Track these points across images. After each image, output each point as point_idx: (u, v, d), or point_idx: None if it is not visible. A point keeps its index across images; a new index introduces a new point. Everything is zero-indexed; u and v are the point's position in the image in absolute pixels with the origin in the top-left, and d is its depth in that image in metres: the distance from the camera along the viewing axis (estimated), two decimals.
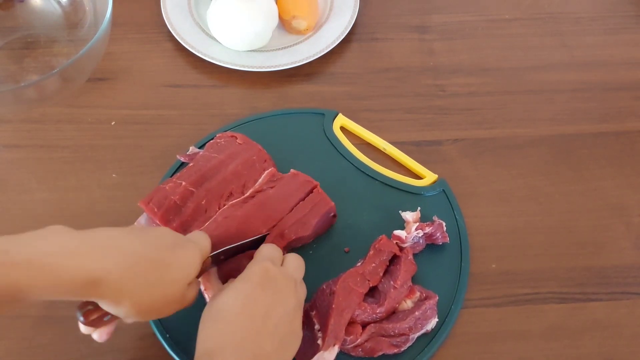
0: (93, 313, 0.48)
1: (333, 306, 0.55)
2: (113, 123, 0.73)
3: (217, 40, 0.79)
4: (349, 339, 0.56)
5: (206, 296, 0.56)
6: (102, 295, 0.45)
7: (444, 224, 0.63)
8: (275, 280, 0.51)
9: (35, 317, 0.59)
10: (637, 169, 0.72)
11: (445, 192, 0.67)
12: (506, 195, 0.69)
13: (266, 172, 0.64)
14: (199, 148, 0.69)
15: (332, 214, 0.63)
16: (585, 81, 0.79)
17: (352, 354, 0.57)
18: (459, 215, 0.66)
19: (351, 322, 0.57)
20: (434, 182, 0.69)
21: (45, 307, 0.60)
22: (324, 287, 0.58)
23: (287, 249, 0.61)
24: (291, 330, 0.51)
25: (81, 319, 0.48)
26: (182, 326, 0.57)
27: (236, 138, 0.67)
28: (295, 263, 0.55)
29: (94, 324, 0.49)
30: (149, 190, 0.67)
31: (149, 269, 0.46)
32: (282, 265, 0.54)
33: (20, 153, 0.71)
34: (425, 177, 0.69)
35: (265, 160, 0.66)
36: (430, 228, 0.62)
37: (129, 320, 0.48)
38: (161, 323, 0.58)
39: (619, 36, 0.84)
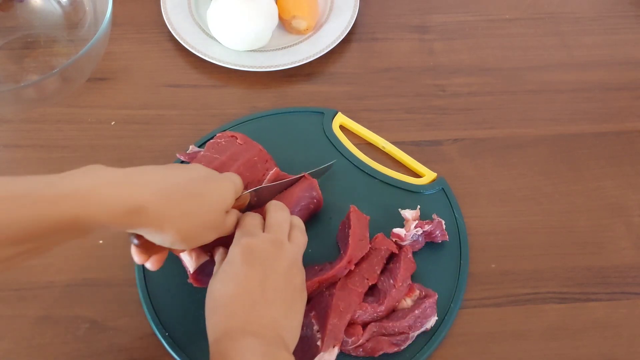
0: (143, 237, 0.50)
1: (331, 307, 0.55)
2: (113, 123, 0.73)
3: (217, 40, 0.79)
4: (350, 340, 0.56)
5: (187, 263, 0.57)
6: (145, 224, 0.46)
7: (444, 222, 0.63)
8: (258, 251, 0.52)
9: (35, 317, 0.59)
10: (637, 169, 0.72)
11: (444, 191, 0.67)
12: (506, 195, 0.69)
13: (270, 172, 0.64)
14: (199, 147, 0.69)
15: (314, 193, 0.63)
16: (585, 81, 0.79)
17: (353, 354, 0.57)
18: (458, 214, 0.66)
19: (351, 324, 0.57)
20: (433, 180, 0.69)
21: (45, 307, 0.60)
22: (323, 289, 0.58)
23: None
24: (294, 288, 0.52)
25: (135, 241, 0.50)
26: (181, 325, 0.58)
27: (236, 138, 0.67)
28: (278, 219, 0.55)
29: (146, 246, 0.51)
30: None
31: (185, 198, 0.49)
32: (264, 228, 0.55)
33: (20, 153, 0.71)
34: (424, 175, 0.69)
35: (267, 161, 0.66)
36: (430, 226, 0.62)
37: (175, 247, 0.50)
38: (161, 322, 0.58)
39: (619, 36, 0.84)
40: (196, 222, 0.50)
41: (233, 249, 0.53)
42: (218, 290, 0.50)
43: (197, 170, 0.53)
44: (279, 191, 0.62)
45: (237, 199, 0.55)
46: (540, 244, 0.66)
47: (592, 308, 0.62)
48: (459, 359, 0.58)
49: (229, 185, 0.53)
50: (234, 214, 0.55)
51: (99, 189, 0.44)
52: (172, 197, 0.48)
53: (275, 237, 0.53)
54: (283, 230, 0.55)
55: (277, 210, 0.56)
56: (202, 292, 0.55)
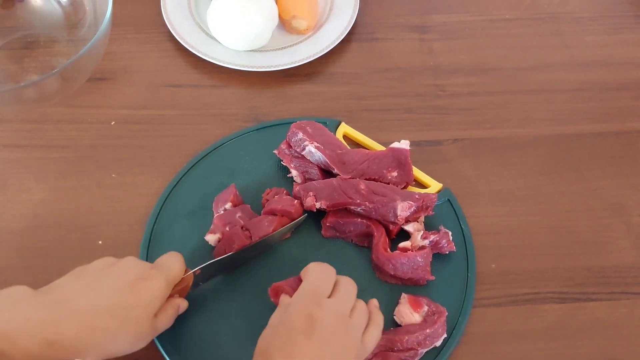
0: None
1: None
2: (113, 123, 0.73)
3: (217, 40, 0.79)
4: None
5: None
6: (61, 354, 0.45)
7: (450, 233, 0.62)
8: (321, 323, 0.48)
9: None
10: (637, 169, 0.72)
11: (450, 202, 0.66)
12: (506, 195, 0.69)
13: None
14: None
15: None
16: (585, 81, 0.79)
17: None
18: (464, 225, 0.65)
19: None
20: (439, 191, 0.67)
21: None
22: None
23: None
24: None
25: None
26: (179, 328, 0.57)
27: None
28: (348, 292, 0.53)
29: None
30: (149, 190, 0.67)
31: (107, 319, 0.47)
32: (332, 294, 0.52)
33: (20, 153, 0.71)
34: (429, 186, 0.68)
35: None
36: (435, 236, 0.61)
37: None
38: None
39: (619, 36, 0.84)
40: (121, 340, 0.48)
41: (295, 307, 0.50)
42: (267, 351, 0.47)
43: (124, 273, 0.50)
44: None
45: (178, 283, 0.54)
46: (540, 244, 0.66)
47: (592, 308, 0.62)
48: (459, 359, 0.59)
49: (160, 284, 0.51)
50: (167, 311, 0.53)
51: (9, 324, 0.44)
52: (91, 323, 0.47)
53: (340, 309, 0.51)
54: (349, 304, 0.52)
55: (348, 284, 0.54)
56: (201, 299, 0.54)
